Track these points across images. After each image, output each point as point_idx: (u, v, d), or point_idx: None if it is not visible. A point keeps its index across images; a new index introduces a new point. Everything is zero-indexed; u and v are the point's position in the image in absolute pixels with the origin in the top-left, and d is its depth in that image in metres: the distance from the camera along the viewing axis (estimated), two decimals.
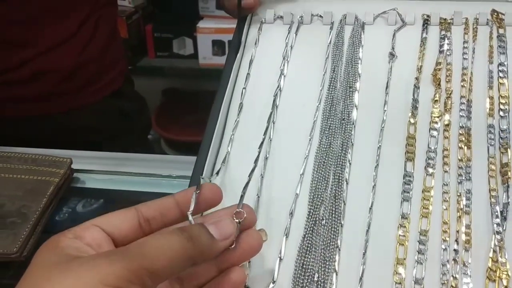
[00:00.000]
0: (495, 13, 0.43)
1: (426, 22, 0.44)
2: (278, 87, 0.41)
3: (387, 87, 0.40)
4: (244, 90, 0.41)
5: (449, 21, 0.43)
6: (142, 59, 1.25)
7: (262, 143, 0.35)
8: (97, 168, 0.52)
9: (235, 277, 0.27)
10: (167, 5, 1.25)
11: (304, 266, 0.31)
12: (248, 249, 0.27)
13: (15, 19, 0.56)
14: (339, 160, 0.36)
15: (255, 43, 0.44)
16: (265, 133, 0.35)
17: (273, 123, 0.38)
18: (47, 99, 0.61)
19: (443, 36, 0.42)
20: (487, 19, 0.43)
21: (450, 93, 0.39)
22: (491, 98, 0.38)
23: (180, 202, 0.27)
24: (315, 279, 0.31)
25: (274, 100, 0.40)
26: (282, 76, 0.41)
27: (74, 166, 0.50)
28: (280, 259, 0.32)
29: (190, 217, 0.26)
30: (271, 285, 0.31)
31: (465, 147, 0.36)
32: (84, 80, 0.62)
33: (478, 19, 0.43)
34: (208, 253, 0.25)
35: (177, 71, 1.25)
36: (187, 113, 1.27)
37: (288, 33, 0.44)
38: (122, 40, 0.74)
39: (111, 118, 0.67)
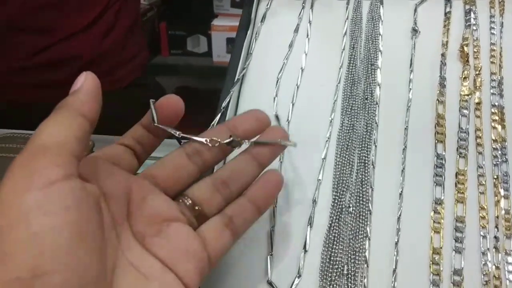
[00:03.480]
0: None
1: None
2: (293, 64, 0.38)
3: (411, 64, 0.37)
4: (252, 68, 0.38)
5: None
6: (156, 57, 1.23)
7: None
8: None
9: (272, 177, 0.27)
10: (182, 4, 1.23)
11: (332, 258, 0.29)
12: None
13: (35, 6, 0.57)
14: (363, 142, 0.33)
15: (263, 19, 0.41)
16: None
17: (292, 104, 0.35)
18: (67, 86, 0.59)
19: (468, 10, 0.40)
20: None
21: (480, 70, 0.36)
22: None
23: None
24: (345, 272, 0.28)
25: (292, 79, 0.37)
26: (302, 54, 0.38)
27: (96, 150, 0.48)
28: (305, 251, 0.29)
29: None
30: (297, 280, 0.28)
31: (499, 126, 0.33)
32: (104, 69, 0.62)
33: None
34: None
35: (191, 69, 1.24)
36: (200, 111, 1.25)
37: (302, 8, 0.41)
38: (143, 34, 0.75)
39: (131, 108, 0.66)
